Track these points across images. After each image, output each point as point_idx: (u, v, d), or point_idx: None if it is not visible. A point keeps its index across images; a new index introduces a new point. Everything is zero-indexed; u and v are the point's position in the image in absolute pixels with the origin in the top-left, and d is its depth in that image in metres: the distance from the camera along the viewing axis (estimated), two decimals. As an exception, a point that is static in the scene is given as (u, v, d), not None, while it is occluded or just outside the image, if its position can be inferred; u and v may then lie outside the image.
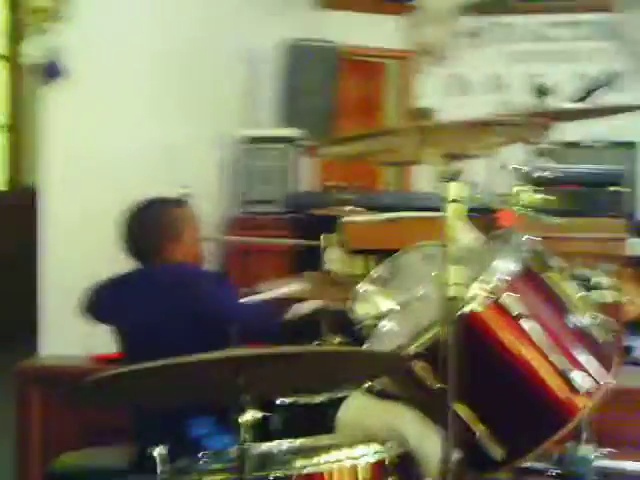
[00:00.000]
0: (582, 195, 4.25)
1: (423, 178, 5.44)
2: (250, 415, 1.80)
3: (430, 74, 7.01)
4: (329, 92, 5.48)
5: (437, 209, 3.73)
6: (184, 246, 2.97)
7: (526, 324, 2.01)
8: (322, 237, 3.10)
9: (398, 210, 3.93)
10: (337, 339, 3.00)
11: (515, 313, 2.00)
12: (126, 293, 2.92)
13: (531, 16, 6.98)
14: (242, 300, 2.98)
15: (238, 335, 2.70)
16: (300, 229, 4.21)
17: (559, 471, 2.19)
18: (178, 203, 3.11)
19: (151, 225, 2.99)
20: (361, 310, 2.66)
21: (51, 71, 4.19)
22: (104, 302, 3.00)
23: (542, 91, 3.32)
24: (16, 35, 8.28)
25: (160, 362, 1.74)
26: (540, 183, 3.13)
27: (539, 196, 2.92)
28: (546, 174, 3.28)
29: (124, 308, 2.90)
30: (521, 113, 2.64)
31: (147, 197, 3.06)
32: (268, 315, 2.96)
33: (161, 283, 2.88)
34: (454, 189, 1.96)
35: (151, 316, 2.82)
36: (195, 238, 3.05)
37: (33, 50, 4.21)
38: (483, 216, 3.69)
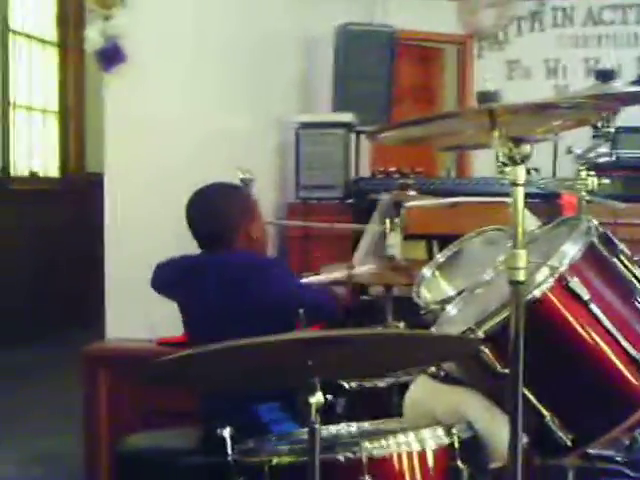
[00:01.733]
0: (642, 180, 4.21)
1: (483, 163, 5.42)
2: (318, 397, 1.81)
3: (488, 59, 6.97)
4: (386, 77, 5.46)
5: (499, 194, 3.74)
6: (251, 232, 2.97)
7: (596, 309, 1.99)
8: (386, 222, 3.09)
9: (459, 195, 3.92)
10: (401, 324, 3.00)
11: (585, 297, 1.99)
12: (196, 276, 2.92)
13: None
14: (303, 284, 2.99)
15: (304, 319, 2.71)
16: (360, 215, 4.21)
17: (628, 458, 2.17)
18: (242, 189, 3.12)
19: (219, 210, 2.98)
20: (424, 295, 2.66)
21: (112, 57, 4.23)
22: (169, 276, 3.01)
23: (604, 74, 3.28)
24: (67, 21, 8.39)
25: (229, 344, 1.75)
26: (603, 168, 3.10)
27: (604, 181, 2.89)
28: (609, 159, 3.24)
29: (193, 290, 2.90)
30: (586, 95, 2.62)
31: (212, 183, 3.05)
32: (331, 298, 2.96)
33: (231, 272, 2.87)
34: (519, 173, 1.94)
35: (219, 304, 2.83)
36: (260, 224, 3.04)
37: (95, 36, 4.25)
38: (546, 201, 3.70)
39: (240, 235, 2.94)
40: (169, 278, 3.01)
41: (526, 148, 1.91)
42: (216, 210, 2.96)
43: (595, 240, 2.12)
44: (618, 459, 2.19)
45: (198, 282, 2.89)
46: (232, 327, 2.72)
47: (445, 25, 6.87)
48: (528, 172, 1.95)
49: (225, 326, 2.73)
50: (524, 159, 1.91)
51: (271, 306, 2.75)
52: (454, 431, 2.05)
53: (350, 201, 4.64)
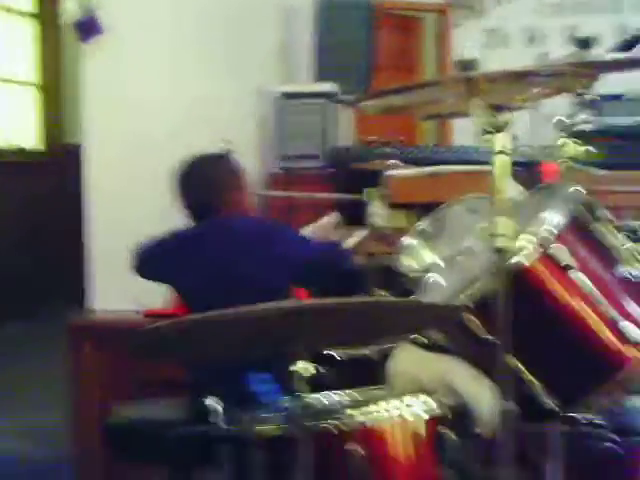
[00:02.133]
0: (625, 148, 4.23)
1: (463, 132, 5.42)
2: (303, 366, 1.83)
3: (467, 27, 6.96)
4: (365, 46, 5.46)
5: (479, 162, 3.75)
6: (238, 201, 2.97)
7: (575, 275, 2.01)
8: (366, 191, 3.10)
9: (441, 164, 3.93)
10: (383, 293, 3.02)
11: (564, 264, 2.01)
12: (194, 248, 2.90)
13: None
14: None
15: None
16: (342, 184, 4.22)
17: (613, 423, 2.21)
18: (230, 159, 3.12)
19: (207, 179, 2.99)
20: (407, 263, 2.67)
21: (90, 28, 4.21)
22: (156, 260, 2.99)
23: (583, 42, 3.29)
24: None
25: (213, 314, 1.77)
26: (583, 135, 3.11)
27: (583, 148, 2.91)
28: (589, 126, 3.26)
29: (192, 264, 2.88)
30: (566, 63, 2.63)
31: (201, 153, 3.06)
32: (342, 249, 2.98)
33: (246, 235, 2.87)
34: (500, 141, 1.95)
35: (225, 270, 2.82)
36: (247, 194, 3.07)
37: (72, 7, 4.23)
38: (527, 169, 3.71)
39: (227, 204, 2.94)
40: (158, 260, 2.99)
41: (506, 116, 1.92)
42: (204, 178, 2.97)
43: (577, 206, 2.14)
44: (604, 423, 2.21)
45: (197, 253, 2.88)
46: (241, 290, 2.71)
47: (424, -7, 6.86)
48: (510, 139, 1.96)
49: (233, 290, 2.73)
50: (505, 126, 1.92)
51: (287, 265, 2.77)
52: (440, 398, 2.07)
53: (331, 170, 4.64)
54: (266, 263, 2.79)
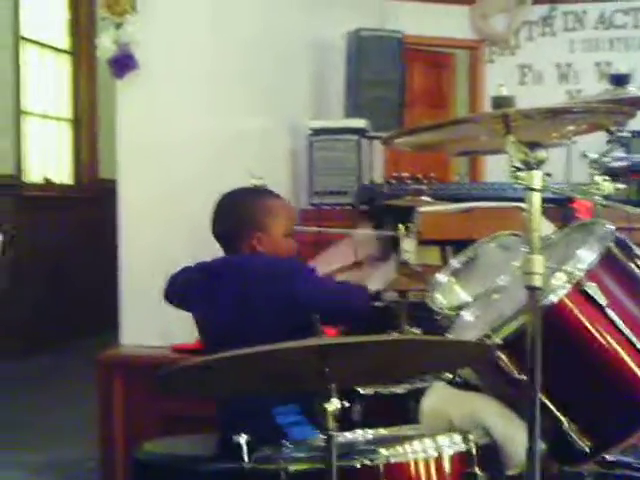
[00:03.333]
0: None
1: (496, 168, 5.41)
2: (335, 404, 1.81)
3: (499, 64, 6.97)
4: (397, 82, 5.47)
5: (512, 199, 3.73)
6: (271, 238, 2.94)
7: (613, 314, 1.98)
8: (399, 227, 3.08)
9: (473, 200, 3.92)
10: (416, 330, 2.99)
11: (602, 302, 1.98)
12: (211, 280, 2.90)
13: (602, 3, 6.89)
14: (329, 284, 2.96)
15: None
16: (373, 220, 4.21)
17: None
18: (273, 195, 3.07)
19: (230, 211, 2.98)
20: (439, 300, 2.65)
21: (125, 64, 4.24)
22: (180, 288, 3.00)
23: (619, 78, 3.27)
24: (79, 29, 8.43)
25: (246, 350, 1.75)
26: (616, 172, 3.09)
27: (619, 186, 2.88)
28: (623, 163, 3.24)
29: (208, 295, 2.89)
30: (601, 100, 2.62)
31: (241, 187, 3.06)
32: (359, 292, 2.92)
33: (249, 274, 2.85)
34: (535, 178, 1.93)
35: (236, 307, 2.81)
36: (284, 234, 2.97)
37: (107, 43, 4.26)
38: (560, 206, 3.69)
39: (242, 244, 2.91)
40: (182, 287, 3.00)
41: (541, 153, 1.91)
42: (222, 216, 2.96)
43: (611, 245, 2.11)
44: (637, 465, 2.18)
45: (213, 285, 2.88)
46: (248, 331, 2.71)
47: (456, 30, 6.88)
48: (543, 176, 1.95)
49: (241, 330, 2.72)
50: (539, 164, 1.91)
51: (291, 308, 2.73)
52: (471, 437, 2.04)
53: (363, 207, 4.63)
54: (270, 302, 2.76)
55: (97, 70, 8.03)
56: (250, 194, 3.10)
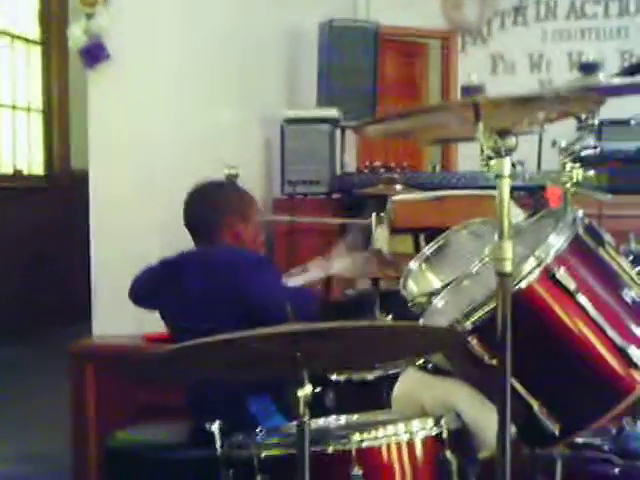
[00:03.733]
0: (628, 172, 4.23)
1: (467, 156, 5.43)
2: (307, 390, 1.82)
3: (471, 53, 6.98)
4: (370, 72, 5.48)
5: (484, 187, 3.75)
6: (252, 228, 2.98)
7: (582, 299, 2.00)
8: (373, 216, 3.09)
9: (445, 189, 3.94)
10: (388, 318, 3.01)
11: (571, 288, 1.99)
12: (176, 275, 2.92)
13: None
14: (286, 284, 2.96)
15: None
16: (346, 209, 4.23)
17: (615, 447, 2.19)
18: (239, 189, 3.15)
19: (207, 202, 3.01)
20: (411, 288, 2.66)
21: (96, 54, 4.22)
22: (145, 288, 3.02)
23: (589, 67, 3.29)
24: (49, 20, 8.37)
25: (218, 338, 1.76)
26: (587, 160, 3.11)
27: (590, 173, 2.91)
28: (594, 151, 3.26)
29: (173, 290, 2.90)
30: (572, 88, 2.63)
31: (213, 179, 3.09)
32: (313, 300, 2.94)
33: (212, 267, 2.87)
34: (504, 165, 1.94)
35: (200, 299, 2.82)
36: (251, 228, 3.04)
37: (78, 34, 4.24)
38: (531, 193, 3.71)
39: (224, 231, 2.94)
40: (147, 285, 3.02)
41: (511, 140, 1.92)
42: (204, 202, 2.99)
43: (581, 231, 2.13)
44: (606, 447, 2.20)
45: (180, 279, 2.89)
46: (211, 322, 2.71)
47: (429, 20, 6.88)
48: (513, 165, 1.96)
49: (204, 320, 2.72)
50: (509, 151, 1.92)
51: (250, 305, 2.75)
52: (443, 422, 2.06)
53: (336, 196, 4.64)
54: (233, 297, 2.77)
55: (68, 60, 7.98)
56: (230, 186, 3.18)
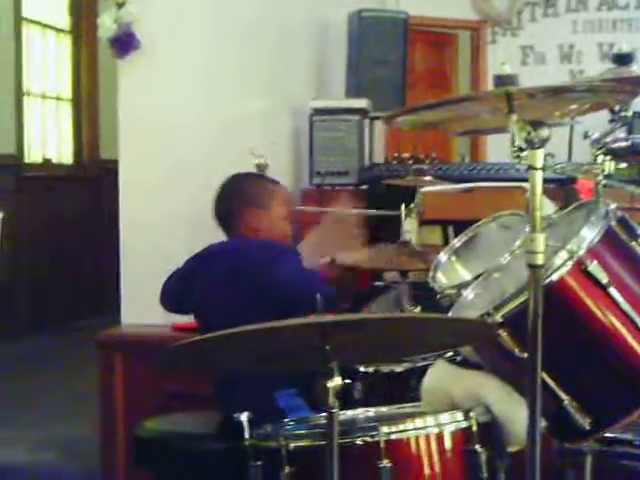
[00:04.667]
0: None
1: (497, 148, 5.40)
2: (336, 381, 1.81)
3: (501, 44, 6.95)
4: (399, 63, 5.45)
5: (514, 179, 3.72)
6: (270, 219, 2.99)
7: (614, 292, 1.98)
8: (402, 207, 3.08)
9: (474, 180, 3.91)
10: (417, 309, 3.00)
11: (603, 281, 1.97)
12: (203, 269, 2.94)
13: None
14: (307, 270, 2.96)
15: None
16: (375, 201, 4.21)
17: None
18: (274, 180, 3.19)
19: (226, 193, 3.06)
20: (443, 280, 2.65)
21: (126, 43, 4.22)
22: (174, 292, 3.05)
23: (623, 58, 3.26)
24: (80, 9, 8.40)
25: (247, 328, 1.75)
26: (620, 153, 3.08)
27: (621, 166, 2.88)
28: (626, 144, 3.23)
29: (201, 285, 2.92)
30: (604, 79, 2.61)
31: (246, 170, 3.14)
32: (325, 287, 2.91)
33: (237, 260, 2.88)
34: (537, 157, 1.92)
35: (226, 293, 2.83)
36: (283, 217, 3.08)
37: (108, 23, 4.24)
38: (563, 186, 3.69)
39: (240, 222, 2.97)
40: (175, 292, 3.05)
41: (544, 131, 1.90)
42: (225, 194, 3.03)
43: (613, 224, 2.11)
44: (637, 443, 2.18)
45: (208, 270, 2.91)
46: (238, 316, 2.70)
47: (458, 10, 6.86)
48: (544, 157, 1.94)
49: (231, 315, 2.72)
50: (542, 143, 1.90)
51: (275, 296, 2.75)
52: (472, 415, 2.05)
53: (364, 187, 4.63)
54: (259, 290, 2.77)
55: (98, 50, 8.01)
56: (253, 176, 3.24)
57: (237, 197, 3.03)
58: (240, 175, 3.17)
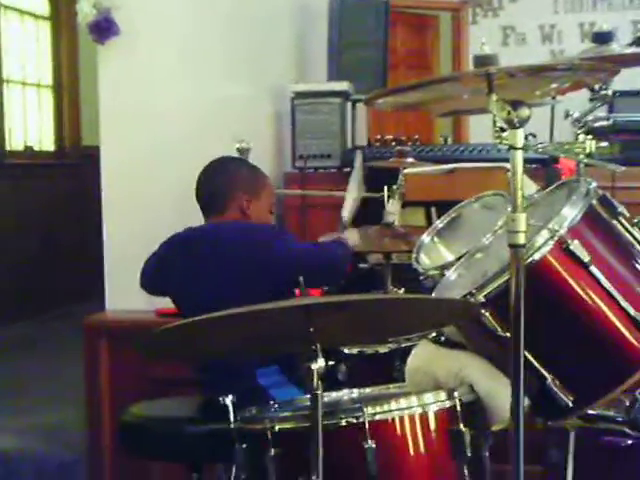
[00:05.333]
0: (640, 144, 4.20)
1: (479, 128, 5.41)
2: (320, 363, 1.82)
3: (482, 25, 6.94)
4: (381, 45, 5.44)
5: (496, 159, 3.73)
6: (258, 207, 2.98)
7: (596, 270, 1.99)
8: (385, 189, 3.09)
9: (457, 161, 3.91)
10: (401, 291, 3.01)
11: (585, 260, 1.99)
12: (190, 253, 2.91)
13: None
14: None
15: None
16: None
17: (629, 418, 2.18)
18: (250, 166, 3.17)
19: (216, 176, 3.03)
20: (426, 261, 2.66)
21: (106, 29, 4.20)
22: (154, 274, 3.02)
23: (602, 36, 3.25)
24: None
25: (231, 311, 1.76)
26: (601, 132, 3.09)
27: (602, 144, 2.89)
28: (607, 123, 3.24)
29: (190, 269, 2.89)
30: (584, 58, 2.61)
31: (227, 155, 3.11)
32: (337, 249, 2.93)
33: (224, 240, 2.87)
34: (518, 137, 1.93)
35: (214, 273, 2.82)
36: (269, 209, 3.06)
37: (87, 8, 4.21)
38: (544, 165, 3.70)
39: (231, 206, 2.94)
40: (156, 267, 3.02)
41: (525, 111, 1.90)
42: (214, 177, 3.00)
43: (595, 202, 2.12)
44: (619, 419, 2.19)
45: (191, 257, 2.89)
46: (229, 298, 2.70)
47: (439, -8, 6.85)
48: (526, 137, 1.94)
49: (222, 298, 2.71)
50: (523, 123, 1.90)
51: (271, 274, 2.74)
52: (456, 394, 2.06)
53: (347, 170, 4.63)
54: (248, 270, 2.76)
55: (78, 36, 7.96)
56: (243, 162, 3.18)
57: (226, 180, 3.00)
58: (228, 158, 3.16)
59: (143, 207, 4.11)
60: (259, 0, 4.74)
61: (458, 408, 2.04)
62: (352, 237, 3.09)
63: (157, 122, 4.21)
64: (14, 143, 7.87)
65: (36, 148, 8.28)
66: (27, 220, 7.58)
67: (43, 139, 8.45)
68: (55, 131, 8.54)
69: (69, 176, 8.26)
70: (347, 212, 3.21)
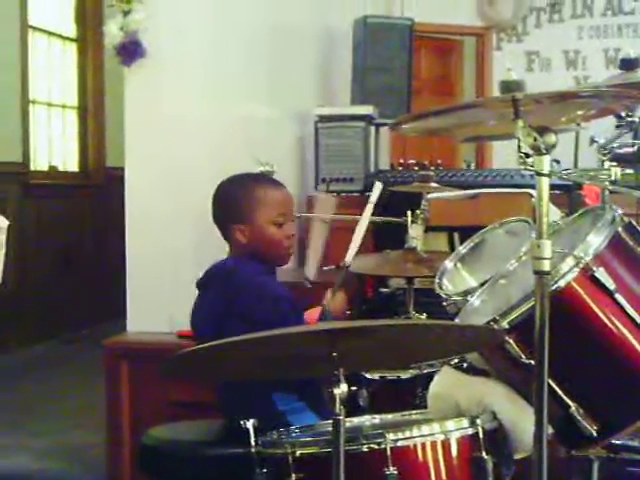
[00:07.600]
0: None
1: (503, 154, 5.40)
2: (343, 388, 1.81)
3: (507, 50, 6.94)
4: (404, 69, 5.45)
5: (520, 185, 3.71)
6: (253, 230, 2.80)
7: (621, 298, 1.97)
8: (408, 214, 3.08)
9: (480, 187, 3.91)
10: (423, 316, 2.99)
11: (610, 287, 1.97)
12: (201, 293, 2.87)
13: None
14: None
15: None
16: (381, 207, 4.20)
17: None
18: (261, 182, 2.91)
19: (226, 201, 2.86)
20: (449, 287, 2.65)
21: (132, 51, 4.23)
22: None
23: (629, 63, 3.25)
24: (85, 17, 8.42)
25: (255, 335, 1.75)
26: (626, 159, 3.08)
27: (627, 171, 2.87)
28: (631, 149, 3.22)
29: (198, 308, 2.88)
30: (610, 85, 2.60)
31: (236, 174, 2.95)
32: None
33: (214, 282, 2.82)
34: (544, 163, 1.92)
35: (212, 314, 2.79)
36: (276, 220, 2.81)
37: (114, 31, 4.24)
38: (568, 192, 3.68)
39: (230, 237, 2.84)
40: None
41: (551, 137, 1.89)
42: (213, 209, 2.88)
43: (620, 230, 2.10)
44: (643, 449, 2.18)
45: (201, 297, 2.87)
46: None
47: (463, 17, 6.86)
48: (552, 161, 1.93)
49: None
50: (549, 149, 1.89)
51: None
52: (478, 422, 2.04)
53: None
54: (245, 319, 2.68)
55: (104, 58, 8.02)
56: (237, 184, 2.89)
57: (219, 213, 2.86)
58: (226, 183, 2.90)
59: (166, 229, 4.12)
60: (283, 22, 4.77)
61: (480, 435, 2.02)
62: (336, 303, 2.98)
63: (181, 144, 4.23)
64: (39, 163, 7.93)
65: (60, 169, 8.33)
66: (50, 241, 7.61)
67: (67, 160, 8.50)
68: (79, 152, 8.60)
69: (92, 197, 8.31)
70: (350, 258, 3.11)
